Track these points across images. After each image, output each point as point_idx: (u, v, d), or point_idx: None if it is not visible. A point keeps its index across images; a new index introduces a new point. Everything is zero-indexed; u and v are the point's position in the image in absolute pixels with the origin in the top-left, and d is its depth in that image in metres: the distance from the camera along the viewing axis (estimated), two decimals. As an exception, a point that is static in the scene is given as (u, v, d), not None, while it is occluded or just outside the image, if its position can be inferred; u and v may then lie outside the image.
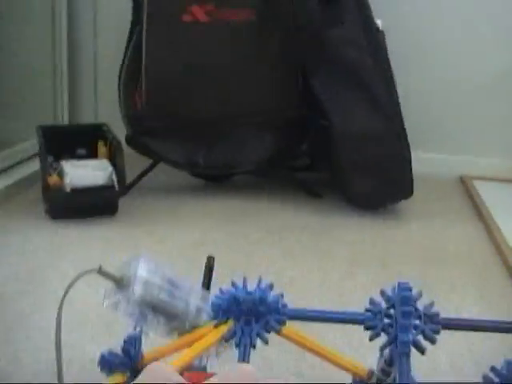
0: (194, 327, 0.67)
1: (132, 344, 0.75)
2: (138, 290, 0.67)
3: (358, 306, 0.71)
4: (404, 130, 2.14)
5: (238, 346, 0.65)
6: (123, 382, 0.74)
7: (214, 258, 0.80)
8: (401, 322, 0.59)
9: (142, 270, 0.69)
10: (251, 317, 0.64)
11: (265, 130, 2.23)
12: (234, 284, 0.67)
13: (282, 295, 0.65)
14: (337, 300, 1.57)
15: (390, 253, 1.93)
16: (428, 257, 1.93)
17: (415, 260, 1.89)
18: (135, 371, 0.76)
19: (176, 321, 0.69)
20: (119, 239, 1.86)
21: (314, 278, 1.71)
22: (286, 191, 2.34)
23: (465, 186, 2.61)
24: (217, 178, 2.36)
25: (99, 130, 2.20)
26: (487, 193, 2.49)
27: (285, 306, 0.64)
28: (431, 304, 0.61)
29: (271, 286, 0.65)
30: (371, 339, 0.62)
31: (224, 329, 0.66)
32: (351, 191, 2.21)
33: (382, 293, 0.62)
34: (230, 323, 0.65)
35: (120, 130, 2.20)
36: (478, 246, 2.06)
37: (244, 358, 0.64)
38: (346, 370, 0.65)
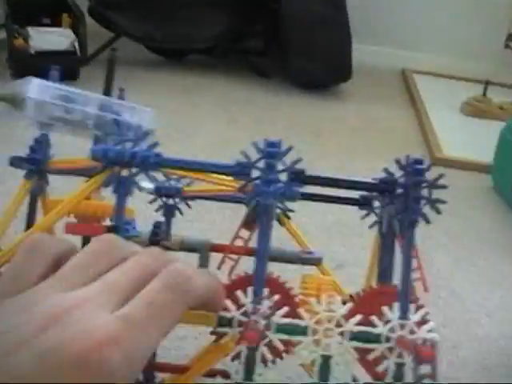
0: (100, 135, 0.62)
1: (38, 149, 0.69)
2: (30, 111, 0.64)
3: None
4: (347, 18, 2.06)
5: (114, 193, 0.59)
6: (31, 186, 0.69)
7: (115, 53, 0.72)
8: (262, 189, 0.52)
9: (32, 92, 0.64)
10: (126, 166, 0.57)
11: (219, 8, 2.11)
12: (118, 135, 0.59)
13: (155, 144, 0.57)
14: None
15: (324, 126, 1.90)
16: (358, 132, 1.90)
17: (346, 133, 1.87)
18: (42, 175, 0.71)
19: (79, 129, 0.66)
20: (76, 104, 1.78)
21: (251, 140, 1.66)
22: (239, 71, 2.23)
23: (405, 78, 2.51)
24: (174, 54, 2.23)
25: (64, 2, 2.06)
26: (424, 85, 2.41)
27: (158, 155, 0.57)
28: (298, 160, 0.54)
29: (145, 134, 0.58)
30: (239, 190, 0.55)
31: (102, 177, 0.59)
32: (296, 71, 2.12)
33: (255, 145, 0.54)
34: (108, 171, 0.58)
35: (84, 4, 2.07)
36: (406, 128, 2.02)
37: (120, 204, 0.58)
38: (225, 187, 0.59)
